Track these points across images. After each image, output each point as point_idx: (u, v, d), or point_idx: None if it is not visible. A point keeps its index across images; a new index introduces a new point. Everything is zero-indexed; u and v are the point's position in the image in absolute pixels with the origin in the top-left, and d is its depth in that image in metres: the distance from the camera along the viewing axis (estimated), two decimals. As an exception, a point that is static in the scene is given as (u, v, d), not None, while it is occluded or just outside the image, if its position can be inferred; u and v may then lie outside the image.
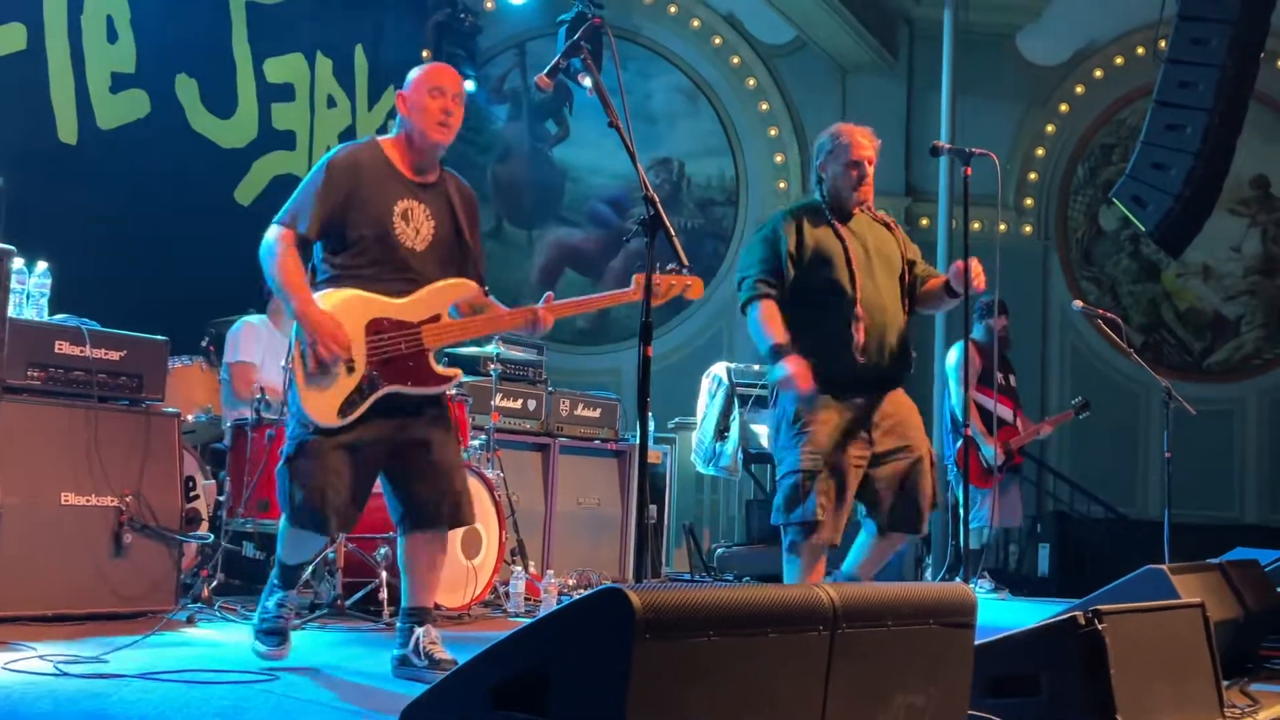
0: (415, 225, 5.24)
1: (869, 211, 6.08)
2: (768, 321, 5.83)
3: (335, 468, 5.03)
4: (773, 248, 5.92)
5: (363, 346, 5.06)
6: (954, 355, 10.11)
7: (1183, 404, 9.38)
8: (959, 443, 9.67)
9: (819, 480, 5.72)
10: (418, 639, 5.15)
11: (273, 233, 5.15)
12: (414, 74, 5.37)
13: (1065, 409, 10.80)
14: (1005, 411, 10.17)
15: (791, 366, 5.69)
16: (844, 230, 5.93)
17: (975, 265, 5.84)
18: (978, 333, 10.28)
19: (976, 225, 5.83)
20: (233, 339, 8.01)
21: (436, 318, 5.21)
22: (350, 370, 5.03)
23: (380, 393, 5.06)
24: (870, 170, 5.98)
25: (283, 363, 5.01)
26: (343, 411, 5.02)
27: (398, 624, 5.32)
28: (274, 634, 5.29)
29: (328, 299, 5.08)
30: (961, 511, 8.20)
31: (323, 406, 5.01)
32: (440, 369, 5.21)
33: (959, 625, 3.35)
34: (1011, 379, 10.41)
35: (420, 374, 5.16)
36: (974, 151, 6.18)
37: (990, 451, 9.80)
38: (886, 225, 6.13)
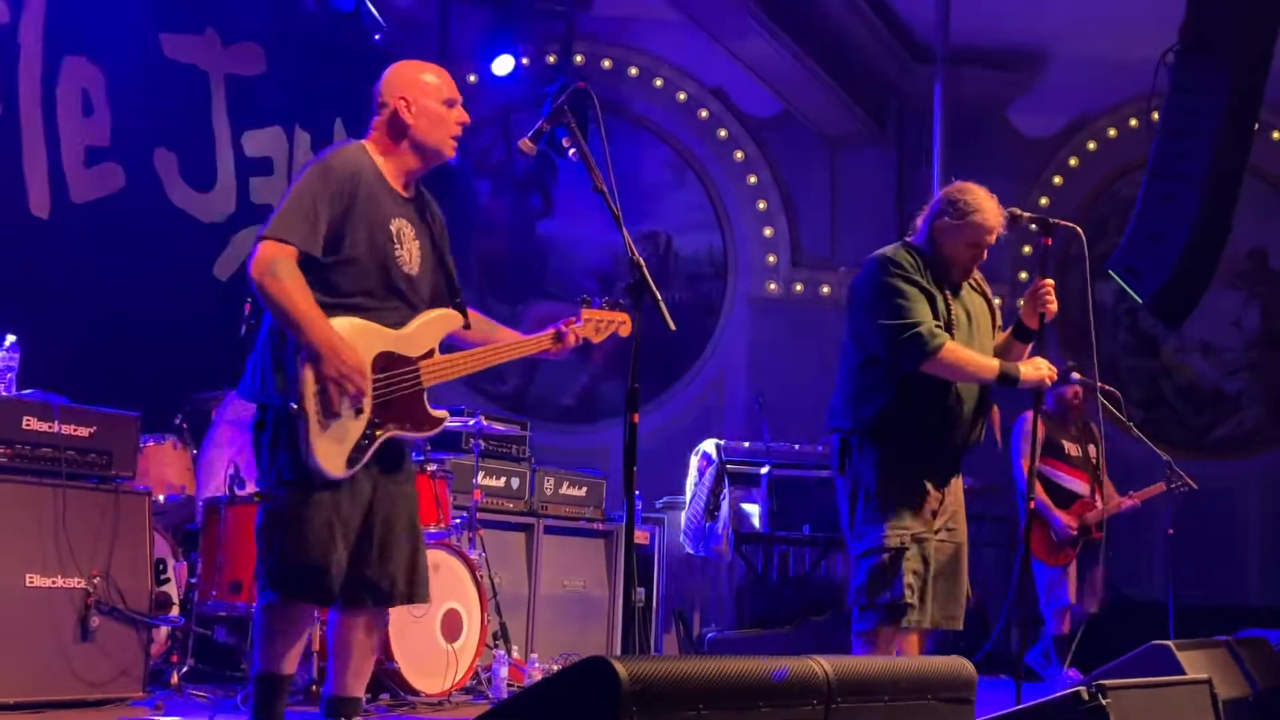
0: (407, 247, 4.67)
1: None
2: (969, 354, 5.35)
3: (334, 525, 4.43)
4: (926, 293, 5.39)
5: (369, 385, 4.48)
6: (1016, 428, 9.65)
7: (1185, 479, 9.20)
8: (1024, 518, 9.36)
9: (908, 559, 5.28)
10: None
11: (267, 251, 4.38)
12: (411, 72, 4.79)
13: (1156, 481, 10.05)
14: (1077, 485, 9.71)
15: (1039, 368, 5.39)
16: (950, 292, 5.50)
17: (1047, 284, 5.47)
18: (1049, 401, 9.79)
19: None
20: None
21: (431, 353, 4.69)
22: (358, 413, 4.44)
23: (381, 439, 4.51)
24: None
25: (292, 404, 4.41)
26: (351, 461, 4.43)
27: (320, 712, 4.71)
28: None
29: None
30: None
31: (333, 455, 4.39)
32: (433, 411, 4.70)
33: (958, 700, 3.28)
34: (1092, 450, 9.71)
35: (416, 416, 4.64)
36: (1057, 222, 5.78)
37: (1059, 523, 9.44)
38: (981, 291, 5.70)
